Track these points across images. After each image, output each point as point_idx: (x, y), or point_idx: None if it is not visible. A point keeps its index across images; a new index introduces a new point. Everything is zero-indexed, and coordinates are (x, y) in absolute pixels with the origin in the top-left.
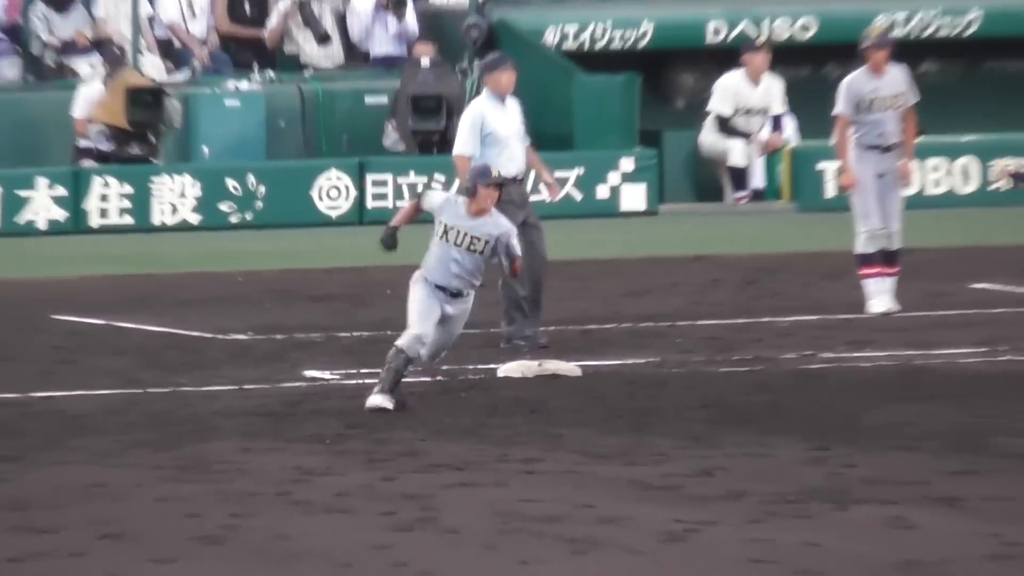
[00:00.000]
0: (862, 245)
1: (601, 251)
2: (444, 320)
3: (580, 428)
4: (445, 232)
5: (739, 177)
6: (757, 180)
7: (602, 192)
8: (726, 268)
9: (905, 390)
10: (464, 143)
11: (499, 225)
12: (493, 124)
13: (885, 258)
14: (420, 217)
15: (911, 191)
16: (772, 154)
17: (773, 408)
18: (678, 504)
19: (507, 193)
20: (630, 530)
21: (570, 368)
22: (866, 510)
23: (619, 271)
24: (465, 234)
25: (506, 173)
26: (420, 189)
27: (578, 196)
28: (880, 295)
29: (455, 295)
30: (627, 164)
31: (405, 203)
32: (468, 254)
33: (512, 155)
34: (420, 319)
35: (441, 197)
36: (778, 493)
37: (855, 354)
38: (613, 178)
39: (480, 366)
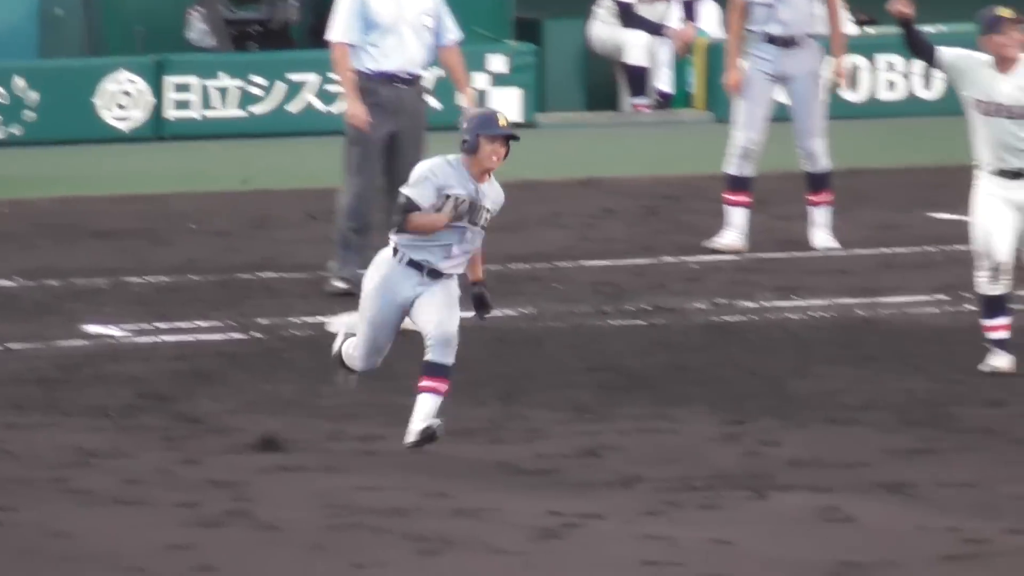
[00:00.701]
0: (733, 164)
1: None
2: (418, 309)
3: None
4: (456, 209)
5: (639, 79)
6: (663, 83)
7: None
8: (621, 195)
9: (843, 349)
10: (339, 27)
11: (499, 191)
12: (376, 5)
13: (810, 184)
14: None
15: (852, 95)
16: (683, 51)
17: (676, 371)
18: (555, 492)
19: (375, 94)
20: (494, 525)
21: None
22: (792, 499)
23: None
24: (480, 207)
25: (383, 68)
26: (404, 197)
27: (435, 104)
28: (736, 229)
29: (437, 275)
30: (497, 63)
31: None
32: (479, 232)
33: (399, 48)
34: (369, 339)
35: (429, 179)
36: (681, 478)
37: (782, 303)
38: (480, 81)
39: (307, 319)
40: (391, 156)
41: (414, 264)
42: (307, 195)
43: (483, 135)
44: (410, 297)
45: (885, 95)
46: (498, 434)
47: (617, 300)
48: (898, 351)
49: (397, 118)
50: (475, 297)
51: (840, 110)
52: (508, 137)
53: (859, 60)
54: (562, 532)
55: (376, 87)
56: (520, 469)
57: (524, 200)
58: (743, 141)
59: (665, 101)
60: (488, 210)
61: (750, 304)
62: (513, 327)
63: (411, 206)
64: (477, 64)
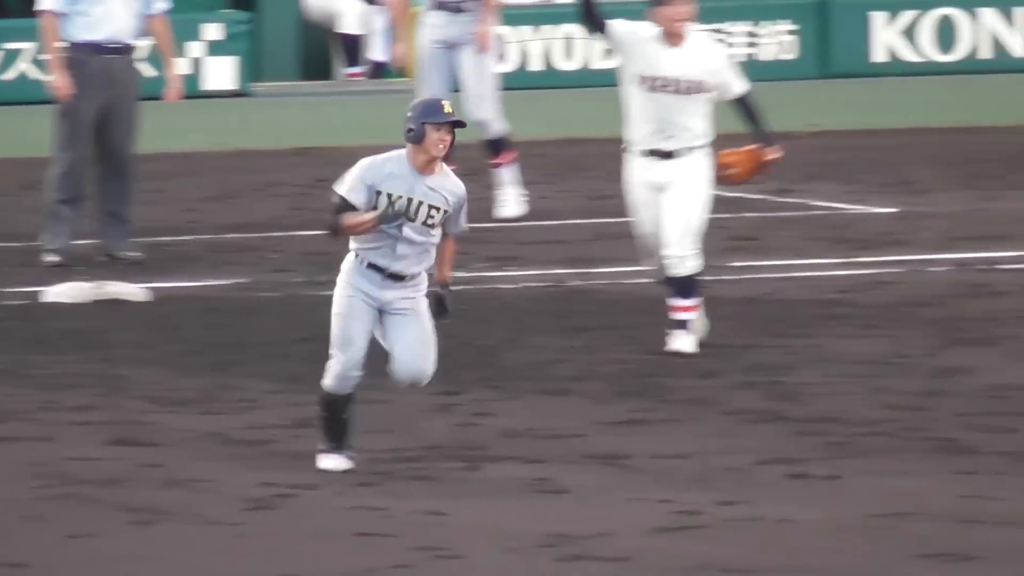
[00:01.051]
0: None
1: (177, 142)
2: (392, 335)
3: (147, 367)
4: (391, 208)
5: (353, 48)
6: (377, 52)
7: (179, 67)
8: (335, 165)
9: (557, 319)
10: None
11: (456, 184)
12: None
13: (489, 148)
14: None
15: (566, 64)
16: (399, 20)
17: None
18: (269, 463)
19: (85, 65)
20: (207, 495)
21: (135, 292)
22: (505, 470)
23: (200, 168)
24: (420, 203)
25: (93, 38)
26: (333, 194)
27: (148, 71)
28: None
29: (399, 278)
30: (212, 31)
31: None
32: (423, 230)
33: (109, 17)
34: (341, 340)
35: (360, 175)
36: (394, 449)
37: (495, 273)
38: (194, 49)
39: (22, 288)
40: (103, 127)
41: (373, 267)
42: (22, 164)
43: (428, 123)
44: (379, 300)
45: (598, 64)
46: (211, 404)
47: (330, 270)
48: (611, 322)
49: (109, 89)
50: (434, 298)
51: (554, 80)
52: (454, 124)
53: (574, 29)
54: (275, 503)
55: (86, 58)
56: (233, 439)
57: (237, 170)
58: None
59: (379, 70)
60: (436, 207)
61: (464, 274)
62: (226, 297)
63: (343, 206)
64: (191, 32)
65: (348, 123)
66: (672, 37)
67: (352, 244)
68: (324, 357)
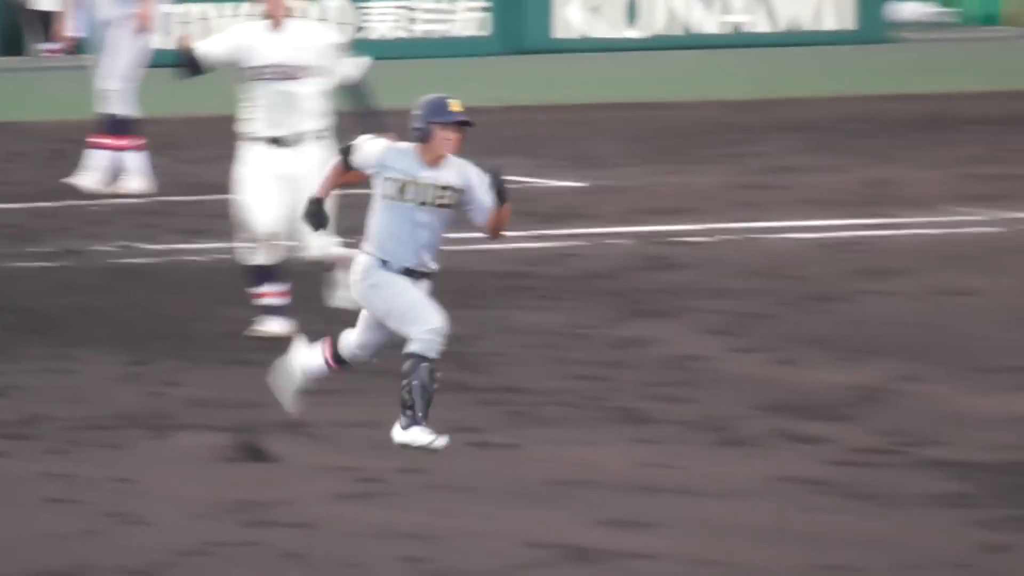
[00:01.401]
0: (114, 110)
1: None
2: None
3: None
4: (401, 190)
5: (47, 24)
6: (72, 27)
7: None
8: (29, 138)
9: (244, 291)
10: None
11: (466, 166)
12: None
13: (106, 125)
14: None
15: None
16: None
17: (81, 313)
18: None
19: None
20: None
21: None
22: (192, 438)
23: None
24: (429, 185)
25: None
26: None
27: None
28: (138, 173)
29: (423, 275)
30: None
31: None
32: (438, 211)
33: None
34: (422, 308)
35: (377, 147)
36: (84, 418)
37: (185, 246)
38: None
39: None
40: None
41: (406, 272)
42: None
43: (435, 123)
44: None
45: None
46: None
47: (23, 243)
48: (297, 292)
49: None
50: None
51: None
52: (461, 123)
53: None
54: None
55: None
56: None
57: None
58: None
59: (75, 46)
60: (455, 188)
61: (155, 247)
62: None
63: (345, 149)
64: None
65: (43, 98)
66: (275, 23)
67: (370, 256)
68: (17, 328)
